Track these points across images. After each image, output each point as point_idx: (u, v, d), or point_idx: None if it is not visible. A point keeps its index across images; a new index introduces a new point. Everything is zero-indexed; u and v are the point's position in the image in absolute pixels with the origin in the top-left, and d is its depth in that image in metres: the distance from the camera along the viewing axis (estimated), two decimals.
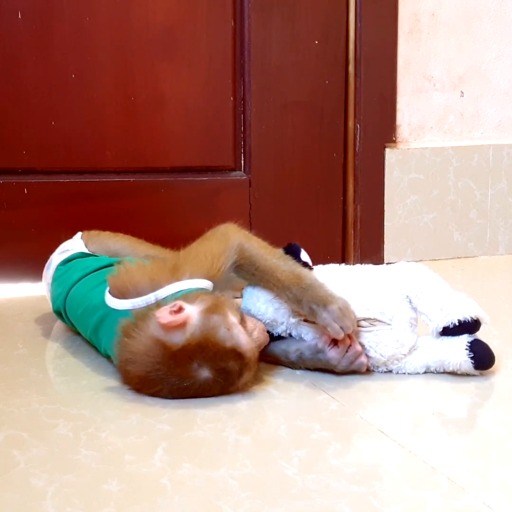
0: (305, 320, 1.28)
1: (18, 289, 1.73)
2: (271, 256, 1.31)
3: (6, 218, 1.73)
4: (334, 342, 1.25)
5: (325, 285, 1.26)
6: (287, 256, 1.32)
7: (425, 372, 1.28)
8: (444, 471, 0.98)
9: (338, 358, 1.25)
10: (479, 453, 1.03)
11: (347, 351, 1.24)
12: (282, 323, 1.30)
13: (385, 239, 1.94)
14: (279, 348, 1.31)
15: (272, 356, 1.31)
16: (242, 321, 1.20)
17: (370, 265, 1.35)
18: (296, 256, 1.31)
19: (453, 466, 0.99)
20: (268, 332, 1.28)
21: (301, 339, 1.30)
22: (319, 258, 1.38)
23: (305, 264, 1.31)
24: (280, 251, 1.33)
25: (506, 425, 1.11)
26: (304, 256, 1.33)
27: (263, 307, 1.30)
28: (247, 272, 1.30)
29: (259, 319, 1.29)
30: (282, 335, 1.31)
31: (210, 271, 1.27)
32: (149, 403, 1.16)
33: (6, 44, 1.70)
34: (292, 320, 1.29)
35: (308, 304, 1.24)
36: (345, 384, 1.25)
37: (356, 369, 1.26)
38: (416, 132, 1.98)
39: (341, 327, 1.21)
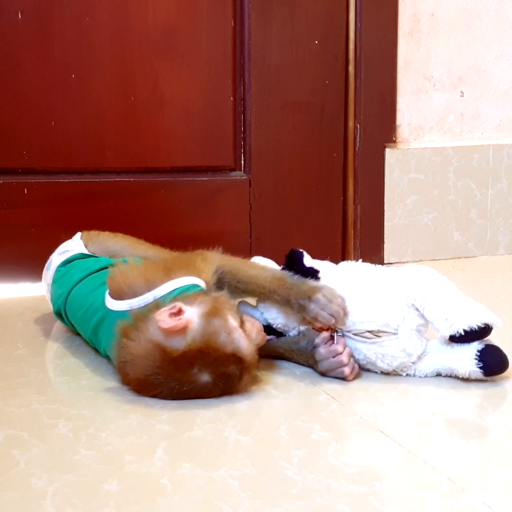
0: (314, 329, 1.28)
1: (18, 289, 1.73)
2: (249, 267, 1.33)
3: (6, 218, 1.73)
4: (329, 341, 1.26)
5: (308, 280, 1.28)
6: (258, 263, 1.34)
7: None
8: (444, 471, 0.98)
9: (323, 356, 1.25)
10: (479, 453, 1.03)
11: (333, 356, 1.24)
12: (294, 328, 1.31)
13: (385, 239, 1.94)
14: (290, 337, 1.32)
15: (282, 345, 1.32)
16: (242, 323, 1.19)
17: (378, 267, 1.33)
18: (299, 262, 1.30)
19: (453, 466, 0.99)
20: (276, 331, 1.31)
21: None
22: (319, 259, 1.37)
23: (309, 269, 1.29)
24: (256, 262, 1.35)
25: (506, 426, 1.11)
26: (308, 261, 1.31)
27: (275, 311, 1.31)
28: (230, 286, 1.31)
29: (271, 323, 1.31)
30: None
31: (201, 273, 1.28)
32: (149, 403, 1.16)
33: (6, 44, 1.70)
34: (302, 328, 1.30)
35: (296, 301, 1.26)
36: (345, 384, 1.24)
37: (337, 375, 1.25)
38: (416, 132, 1.98)
39: (332, 315, 1.23)
